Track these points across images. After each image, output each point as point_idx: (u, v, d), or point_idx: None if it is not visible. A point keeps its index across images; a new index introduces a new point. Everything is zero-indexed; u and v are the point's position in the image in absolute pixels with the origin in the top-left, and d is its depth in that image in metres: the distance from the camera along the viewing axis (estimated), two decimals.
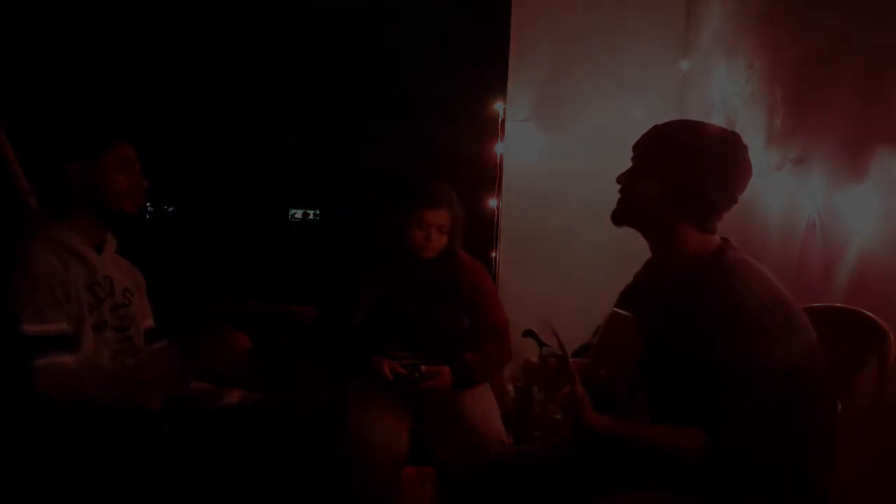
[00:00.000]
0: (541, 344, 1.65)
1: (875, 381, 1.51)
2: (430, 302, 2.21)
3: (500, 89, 3.13)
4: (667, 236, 1.50)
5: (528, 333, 1.73)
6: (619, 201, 1.55)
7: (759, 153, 2.36)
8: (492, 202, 3.16)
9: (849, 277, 1.89)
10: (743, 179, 1.48)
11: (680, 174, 1.46)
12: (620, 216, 1.55)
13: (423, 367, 2.09)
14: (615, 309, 1.61)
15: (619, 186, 1.56)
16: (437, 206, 2.17)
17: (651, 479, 1.40)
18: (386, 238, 2.24)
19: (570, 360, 1.47)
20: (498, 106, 3.14)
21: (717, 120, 2.65)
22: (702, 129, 1.52)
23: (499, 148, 3.14)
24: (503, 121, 3.13)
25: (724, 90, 2.69)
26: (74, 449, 1.52)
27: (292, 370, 2.49)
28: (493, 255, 3.16)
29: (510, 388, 2.81)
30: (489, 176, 3.15)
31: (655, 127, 1.54)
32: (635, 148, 1.55)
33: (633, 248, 1.66)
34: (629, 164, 1.56)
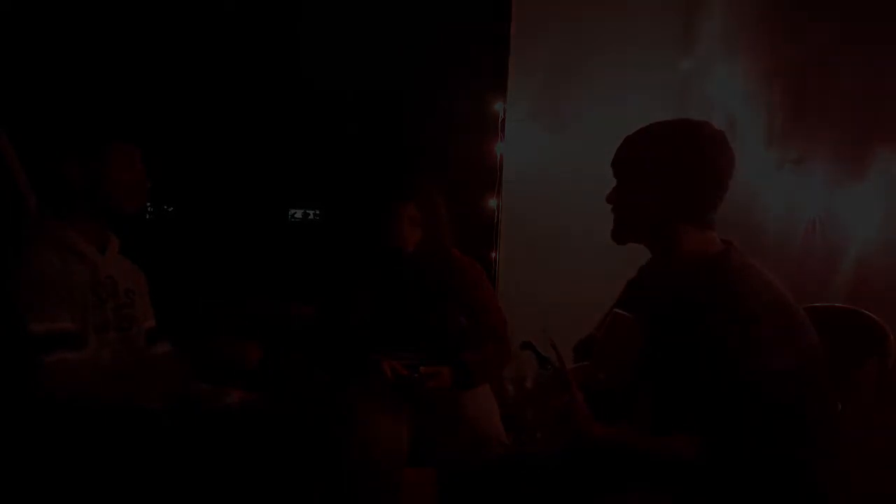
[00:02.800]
0: (539, 357, 1.64)
1: (875, 381, 1.51)
2: (425, 302, 2.21)
3: (500, 89, 3.13)
4: (668, 240, 1.49)
5: (527, 346, 1.73)
6: (616, 220, 1.52)
7: (759, 153, 2.36)
8: (492, 202, 3.16)
9: (849, 277, 1.89)
10: (729, 164, 1.46)
11: (668, 175, 1.44)
12: (621, 234, 1.53)
13: (422, 368, 2.09)
14: (615, 310, 1.60)
15: (610, 206, 1.53)
16: (407, 198, 2.18)
17: (651, 482, 1.40)
18: (368, 234, 2.25)
19: (568, 370, 1.47)
20: (498, 106, 3.14)
21: (717, 120, 2.65)
22: (674, 125, 1.51)
23: (499, 148, 3.14)
24: (503, 121, 3.13)
25: (724, 90, 2.69)
26: (76, 448, 1.53)
27: (293, 370, 2.50)
28: (493, 255, 3.16)
29: (510, 387, 2.81)
30: (489, 176, 3.15)
31: (627, 138, 1.52)
32: (615, 164, 1.53)
33: (633, 247, 1.66)
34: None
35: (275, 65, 4.13)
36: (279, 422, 1.79)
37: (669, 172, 1.44)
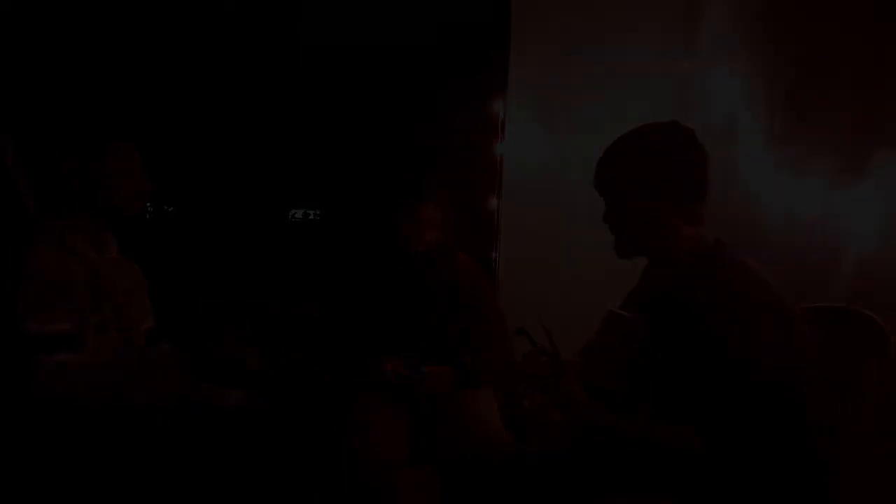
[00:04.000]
0: (533, 342, 1.65)
1: (875, 381, 1.51)
2: (429, 302, 2.21)
3: (500, 89, 3.13)
4: (662, 240, 1.51)
5: (521, 332, 1.73)
6: (618, 240, 1.55)
7: (759, 153, 2.36)
8: (492, 202, 3.16)
9: (849, 277, 1.89)
10: (701, 157, 1.49)
11: (650, 182, 1.47)
12: (625, 252, 1.56)
13: (423, 368, 2.09)
14: (612, 309, 1.61)
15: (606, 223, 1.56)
16: (429, 199, 2.19)
17: (652, 481, 1.40)
18: (380, 234, 2.26)
19: (562, 358, 1.48)
20: (498, 106, 3.14)
21: (717, 120, 2.66)
22: (641, 134, 1.53)
23: (499, 148, 3.14)
24: (503, 121, 3.13)
25: (724, 90, 2.69)
26: (75, 448, 1.53)
27: (294, 370, 2.49)
28: (493, 255, 3.16)
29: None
30: (489, 176, 3.15)
31: (602, 160, 1.54)
32: (598, 186, 1.55)
33: None
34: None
35: (274, 67, 4.13)
36: (279, 422, 1.79)
37: (651, 179, 1.47)
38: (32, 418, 1.53)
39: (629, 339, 1.51)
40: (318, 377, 2.34)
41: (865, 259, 1.84)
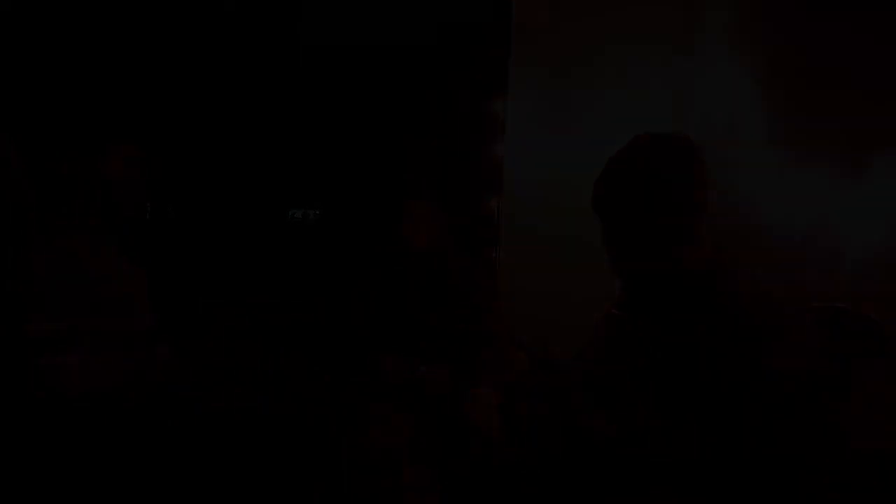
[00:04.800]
0: (530, 356, 1.65)
1: (875, 380, 1.51)
2: (429, 302, 2.22)
3: (501, 89, 3.13)
4: (666, 263, 1.48)
5: (520, 346, 1.74)
6: (614, 261, 1.49)
7: (759, 153, 2.36)
8: (492, 202, 3.16)
9: (849, 277, 1.89)
10: (705, 172, 1.44)
11: (654, 199, 1.42)
12: (623, 273, 1.52)
13: (423, 368, 2.09)
14: (612, 311, 1.61)
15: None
16: (429, 199, 2.20)
17: (652, 482, 1.40)
18: (380, 234, 2.27)
19: (564, 370, 1.48)
20: (498, 106, 3.14)
21: (717, 120, 2.66)
22: (644, 143, 1.48)
23: (499, 148, 3.14)
24: (503, 121, 3.13)
25: (725, 90, 2.69)
26: (74, 448, 1.53)
27: (293, 370, 2.50)
28: (493, 255, 3.16)
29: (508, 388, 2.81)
30: (489, 176, 3.15)
31: (602, 174, 1.49)
32: (600, 203, 1.50)
33: None
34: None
35: (274, 67, 4.13)
36: (279, 422, 1.79)
37: (650, 193, 1.42)
38: (32, 418, 1.53)
39: (629, 340, 1.51)
40: (318, 377, 2.34)
41: (865, 259, 1.84)
